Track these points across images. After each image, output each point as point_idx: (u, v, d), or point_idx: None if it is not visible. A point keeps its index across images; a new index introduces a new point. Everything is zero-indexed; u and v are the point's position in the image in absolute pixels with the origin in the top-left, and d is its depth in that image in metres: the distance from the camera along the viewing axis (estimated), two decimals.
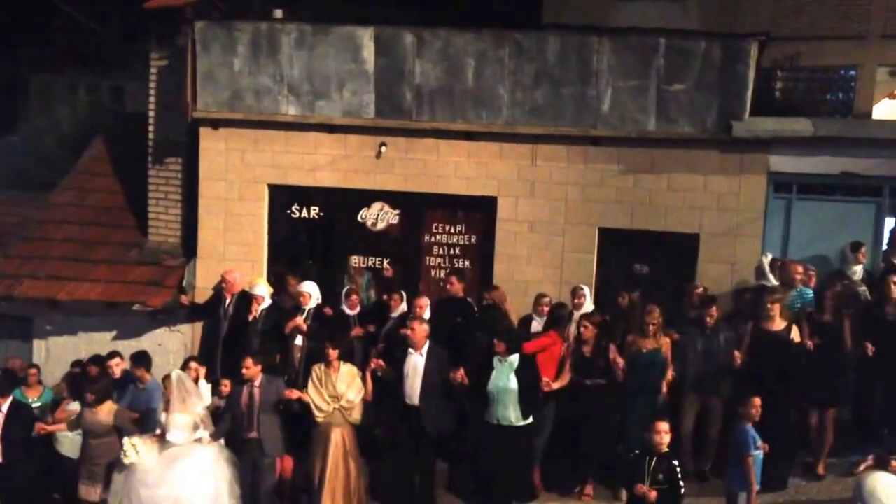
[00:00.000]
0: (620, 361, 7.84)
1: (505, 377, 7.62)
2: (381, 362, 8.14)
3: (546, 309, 8.79)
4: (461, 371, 7.77)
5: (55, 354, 10.54)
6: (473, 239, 10.25)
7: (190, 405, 7.68)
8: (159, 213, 10.84)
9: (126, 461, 7.47)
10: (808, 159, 9.38)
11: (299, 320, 9.10)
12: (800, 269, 8.70)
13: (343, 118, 10.11)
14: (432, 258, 10.36)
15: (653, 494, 6.25)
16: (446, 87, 9.89)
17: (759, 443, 6.83)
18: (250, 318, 9.28)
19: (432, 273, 10.33)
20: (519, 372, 7.61)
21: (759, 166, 9.45)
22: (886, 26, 12.00)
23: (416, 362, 7.83)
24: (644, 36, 9.60)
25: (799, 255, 9.30)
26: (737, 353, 7.94)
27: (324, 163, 10.24)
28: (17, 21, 15.55)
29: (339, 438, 7.77)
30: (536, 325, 8.83)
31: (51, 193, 11.74)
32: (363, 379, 7.98)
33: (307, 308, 9.19)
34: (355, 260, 10.46)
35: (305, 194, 10.46)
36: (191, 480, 7.47)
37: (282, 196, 10.49)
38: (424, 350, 7.84)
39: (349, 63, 10.00)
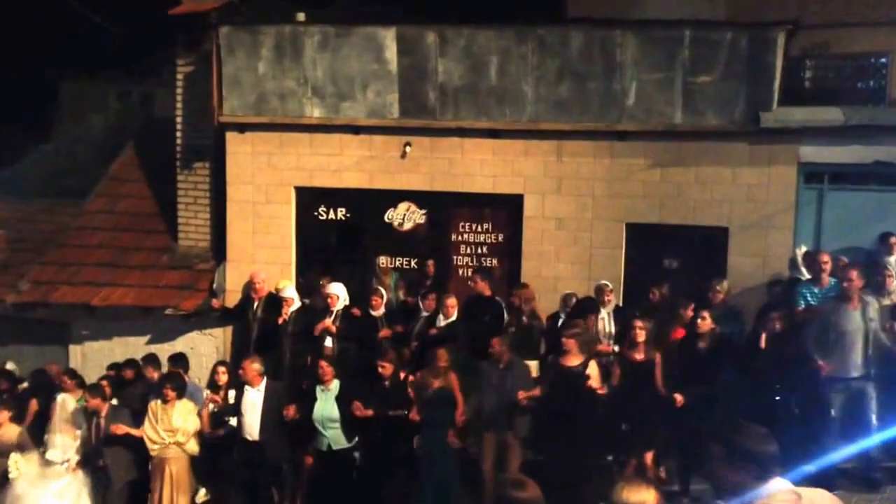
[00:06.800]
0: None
1: (329, 405, 7.85)
2: (216, 397, 8.53)
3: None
4: (292, 408, 7.92)
5: (91, 359, 10.71)
6: (501, 237, 10.23)
7: (72, 427, 8.19)
8: (189, 217, 10.95)
9: (10, 476, 7.96)
10: (840, 149, 9.19)
11: (328, 322, 9.16)
12: (825, 258, 8.20)
13: (367, 119, 10.14)
14: (460, 257, 10.35)
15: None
16: (470, 85, 9.86)
17: None
18: (280, 320, 9.37)
19: (460, 272, 10.32)
20: (340, 398, 7.84)
21: (788, 157, 9.29)
22: None
23: (253, 399, 7.91)
24: (668, 28, 9.47)
25: (833, 246, 9.07)
26: (521, 394, 7.47)
27: (349, 164, 10.29)
28: (43, 28, 15.74)
29: (173, 470, 8.14)
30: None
31: (84, 200, 11.95)
32: (199, 413, 8.29)
33: (335, 310, 9.25)
34: (383, 260, 10.47)
35: (332, 196, 10.50)
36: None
37: (309, 198, 10.55)
38: (262, 386, 7.93)
39: (372, 63, 10.02)
